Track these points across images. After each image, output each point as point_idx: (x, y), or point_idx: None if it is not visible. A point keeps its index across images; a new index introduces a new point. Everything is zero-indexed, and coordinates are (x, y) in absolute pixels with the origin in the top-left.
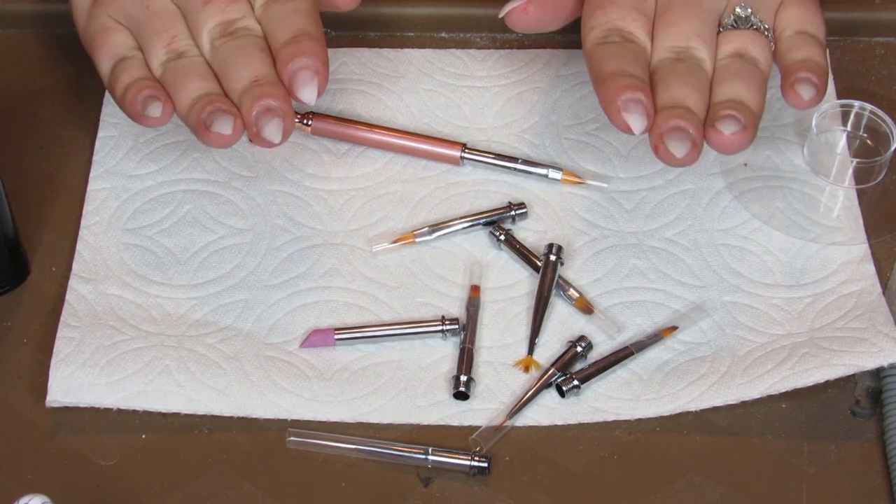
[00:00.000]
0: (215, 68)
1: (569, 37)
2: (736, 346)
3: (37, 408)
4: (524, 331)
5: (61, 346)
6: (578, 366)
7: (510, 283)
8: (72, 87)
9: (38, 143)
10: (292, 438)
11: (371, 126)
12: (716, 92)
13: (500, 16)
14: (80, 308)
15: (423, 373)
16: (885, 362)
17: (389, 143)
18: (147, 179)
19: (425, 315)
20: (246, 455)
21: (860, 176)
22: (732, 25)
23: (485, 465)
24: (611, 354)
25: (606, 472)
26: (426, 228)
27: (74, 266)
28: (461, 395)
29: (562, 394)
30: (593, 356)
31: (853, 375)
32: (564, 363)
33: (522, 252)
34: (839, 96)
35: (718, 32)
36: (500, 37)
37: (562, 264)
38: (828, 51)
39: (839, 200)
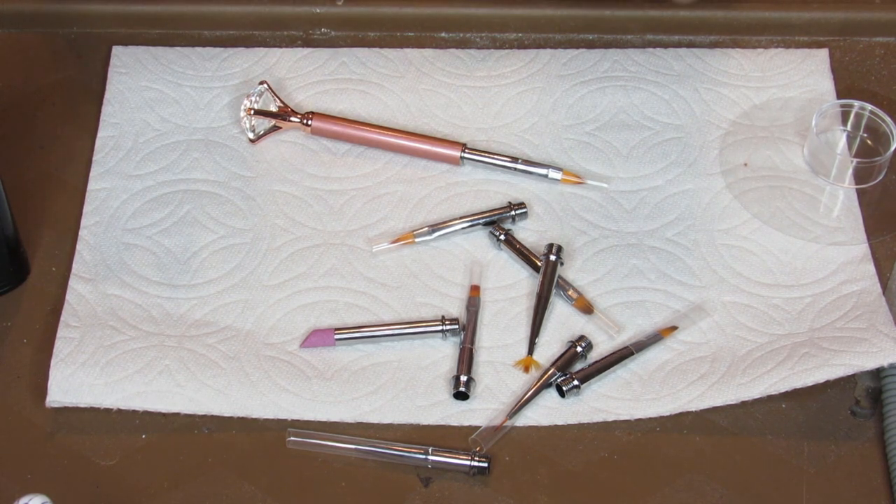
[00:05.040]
0: None
1: (569, 37)
2: (736, 346)
3: (37, 408)
4: (524, 331)
5: (61, 346)
6: (578, 366)
7: (510, 283)
8: (72, 87)
9: (38, 142)
10: (292, 438)
11: (371, 126)
12: None
13: None
14: (80, 308)
15: (423, 373)
16: (885, 362)
17: (389, 143)
18: (147, 179)
19: (425, 315)
20: (246, 455)
21: (860, 176)
22: None
23: (485, 465)
24: (611, 354)
25: (606, 472)
26: (426, 228)
27: (74, 266)
28: (461, 395)
29: (562, 394)
30: (593, 356)
31: (853, 375)
32: (564, 363)
33: (522, 252)
34: (839, 96)
35: None
36: (500, 37)
37: (562, 264)
38: (828, 50)
39: (839, 200)
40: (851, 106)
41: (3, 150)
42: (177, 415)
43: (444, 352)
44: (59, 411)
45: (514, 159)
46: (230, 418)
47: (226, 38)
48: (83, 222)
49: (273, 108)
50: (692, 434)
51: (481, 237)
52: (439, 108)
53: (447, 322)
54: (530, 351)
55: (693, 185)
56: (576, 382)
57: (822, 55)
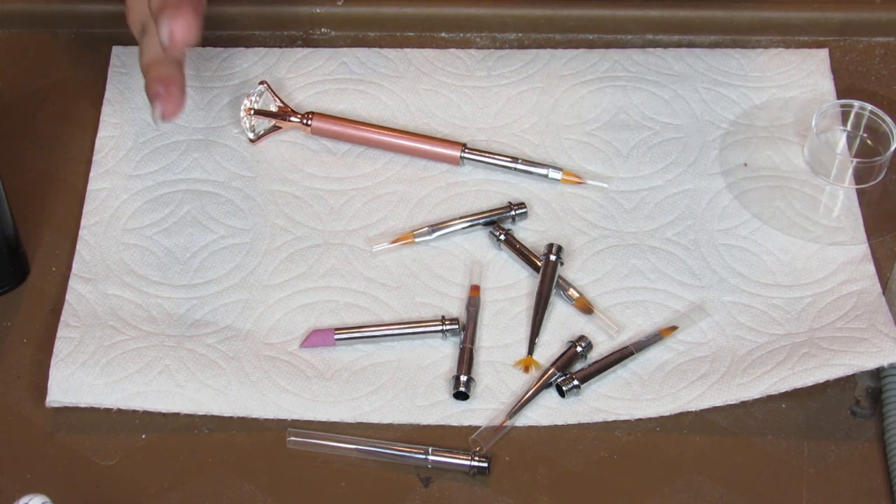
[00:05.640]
0: None
1: (569, 37)
2: (736, 346)
3: (37, 408)
4: (524, 331)
5: (61, 346)
6: (578, 366)
7: (510, 283)
8: (72, 87)
9: (38, 143)
10: (292, 438)
11: (371, 126)
12: None
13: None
14: (80, 308)
15: (423, 373)
16: (885, 362)
17: (389, 143)
18: (147, 179)
19: (425, 315)
20: (246, 455)
21: (860, 176)
22: None
23: (485, 465)
24: (611, 354)
25: (606, 472)
26: (426, 228)
27: (74, 266)
28: (461, 395)
29: (562, 394)
30: (593, 356)
31: (853, 375)
32: (564, 363)
33: (522, 252)
34: (839, 96)
35: None
36: (500, 37)
37: (562, 264)
38: (828, 50)
39: (839, 200)
40: (851, 106)
41: (3, 150)
42: (177, 415)
43: (444, 352)
44: (59, 411)
45: (514, 159)
46: (230, 418)
47: (226, 38)
48: (83, 222)
49: (273, 108)
50: (692, 434)
51: (481, 237)
52: (439, 108)
53: (447, 322)
54: (530, 351)
55: (693, 185)
56: (576, 382)
57: (822, 55)
